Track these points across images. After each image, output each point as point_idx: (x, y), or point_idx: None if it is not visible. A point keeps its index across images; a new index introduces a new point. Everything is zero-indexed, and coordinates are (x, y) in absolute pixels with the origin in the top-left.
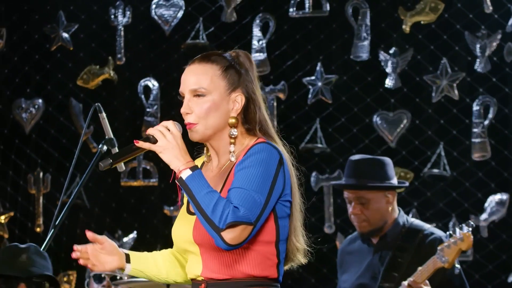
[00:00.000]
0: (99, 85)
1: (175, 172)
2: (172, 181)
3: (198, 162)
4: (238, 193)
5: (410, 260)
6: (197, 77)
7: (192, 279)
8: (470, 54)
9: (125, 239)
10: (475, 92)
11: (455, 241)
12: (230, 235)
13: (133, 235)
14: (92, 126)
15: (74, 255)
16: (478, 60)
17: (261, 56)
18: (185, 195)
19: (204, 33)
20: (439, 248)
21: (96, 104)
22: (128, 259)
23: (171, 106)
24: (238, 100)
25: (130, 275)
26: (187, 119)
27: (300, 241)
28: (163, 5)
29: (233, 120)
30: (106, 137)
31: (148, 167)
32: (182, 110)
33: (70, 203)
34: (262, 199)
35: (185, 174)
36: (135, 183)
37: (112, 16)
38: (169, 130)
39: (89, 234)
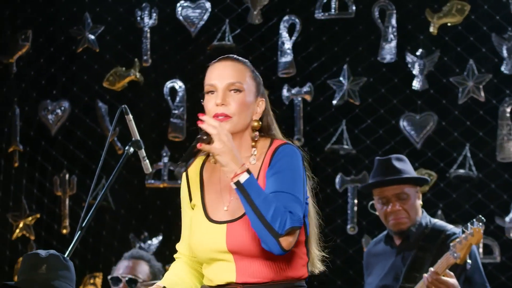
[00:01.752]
0: (125, 87)
1: None
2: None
3: (196, 165)
4: (285, 197)
5: (432, 260)
6: (236, 73)
7: (218, 285)
8: (497, 56)
9: (150, 241)
10: (502, 93)
11: (466, 237)
12: (287, 241)
13: (159, 236)
14: (118, 128)
15: None
16: (505, 61)
17: (287, 58)
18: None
19: (230, 35)
20: (451, 244)
21: (123, 106)
22: None
23: (197, 108)
24: (260, 105)
25: None
26: (222, 110)
27: (317, 247)
28: (189, 7)
29: (257, 123)
30: (133, 138)
31: (173, 169)
32: (217, 101)
33: (96, 205)
34: (302, 199)
35: (243, 177)
36: (160, 185)
37: (138, 18)
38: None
39: None
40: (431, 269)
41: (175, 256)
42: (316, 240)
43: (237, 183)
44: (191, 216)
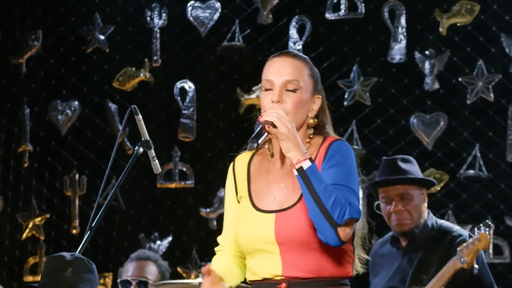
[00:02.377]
0: (135, 87)
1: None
2: (207, 183)
3: (244, 158)
4: (343, 189)
5: (439, 262)
6: (294, 70)
7: (264, 279)
8: (506, 56)
9: (161, 241)
10: (511, 94)
11: (473, 241)
12: (345, 232)
13: (169, 237)
14: (128, 128)
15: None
16: None
17: None
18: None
19: (240, 35)
20: (458, 249)
21: (132, 106)
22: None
23: (207, 108)
24: (317, 102)
25: None
26: (278, 107)
27: (361, 248)
28: (199, 7)
29: (313, 121)
30: (142, 139)
31: (184, 169)
32: (273, 98)
33: (106, 205)
34: (358, 192)
35: (306, 164)
36: (171, 185)
37: (148, 18)
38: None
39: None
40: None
41: (216, 249)
42: (360, 240)
43: (300, 170)
44: (236, 209)
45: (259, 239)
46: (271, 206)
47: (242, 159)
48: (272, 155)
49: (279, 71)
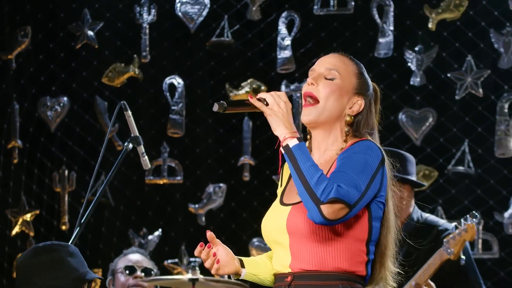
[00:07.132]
0: (124, 83)
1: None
2: (196, 179)
3: None
4: (341, 175)
5: (424, 256)
6: (337, 61)
7: (278, 273)
8: (495, 52)
9: (150, 237)
10: (500, 89)
11: (460, 232)
12: (329, 210)
13: (158, 233)
14: (117, 124)
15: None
16: (503, 57)
17: (286, 53)
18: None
19: (229, 31)
20: (445, 240)
21: (122, 102)
22: (242, 264)
23: (196, 104)
24: (358, 103)
25: (243, 280)
26: (309, 89)
27: (392, 262)
28: (188, 3)
29: (349, 119)
30: (132, 135)
31: (173, 165)
32: (309, 80)
33: (95, 201)
34: (363, 186)
35: (292, 142)
36: (160, 181)
37: (137, 14)
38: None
39: (209, 234)
40: (412, 282)
41: None
42: (392, 255)
43: (286, 147)
44: None
45: (274, 228)
46: (293, 199)
47: None
48: (310, 151)
49: (323, 61)
